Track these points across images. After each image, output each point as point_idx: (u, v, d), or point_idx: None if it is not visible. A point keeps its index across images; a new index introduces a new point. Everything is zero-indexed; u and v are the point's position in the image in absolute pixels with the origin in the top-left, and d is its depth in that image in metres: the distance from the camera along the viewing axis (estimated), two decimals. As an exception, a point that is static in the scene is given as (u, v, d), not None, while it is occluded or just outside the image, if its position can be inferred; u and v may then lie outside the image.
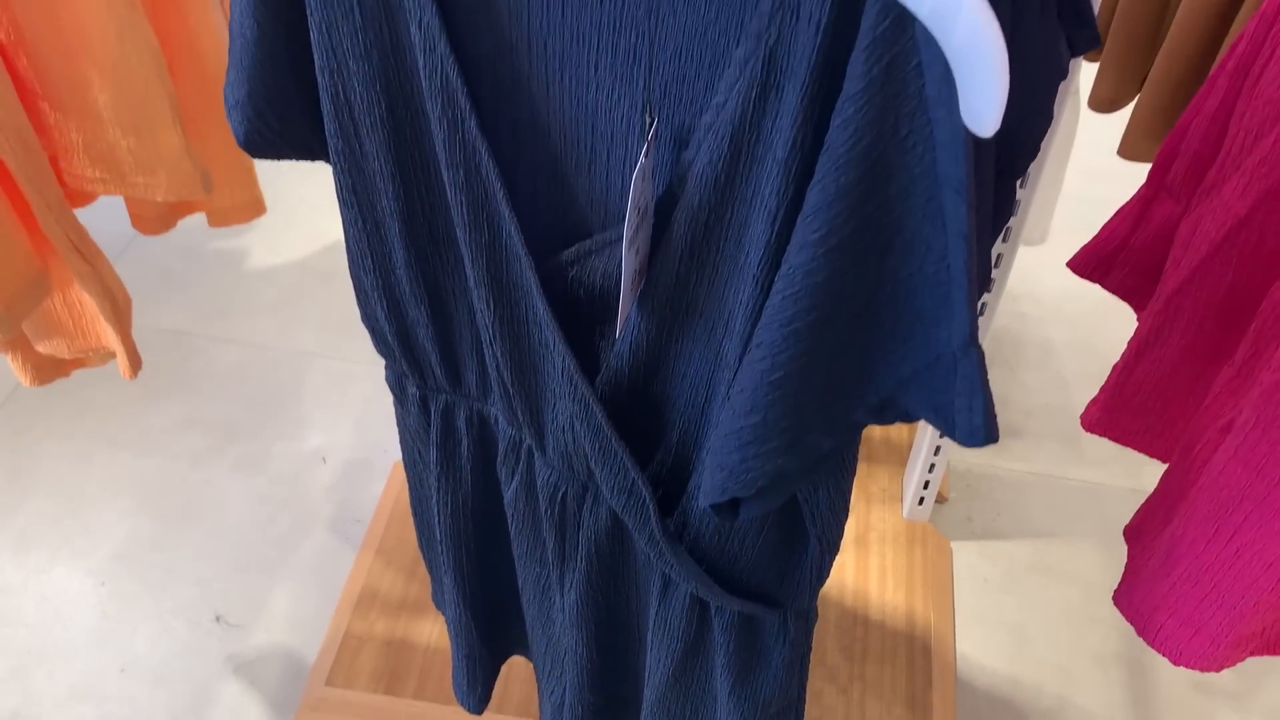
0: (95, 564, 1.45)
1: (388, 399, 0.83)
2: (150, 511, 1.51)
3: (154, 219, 1.02)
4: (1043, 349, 1.74)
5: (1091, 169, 1.69)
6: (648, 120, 0.53)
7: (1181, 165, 0.79)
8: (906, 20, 0.40)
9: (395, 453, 1.54)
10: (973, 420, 0.48)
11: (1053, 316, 1.80)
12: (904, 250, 0.46)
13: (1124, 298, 0.88)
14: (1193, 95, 1.18)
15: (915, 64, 0.41)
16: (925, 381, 0.49)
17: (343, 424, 1.63)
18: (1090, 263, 0.88)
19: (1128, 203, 0.84)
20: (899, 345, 0.49)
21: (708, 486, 0.56)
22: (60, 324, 0.94)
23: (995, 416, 0.48)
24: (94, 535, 1.49)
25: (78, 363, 1.04)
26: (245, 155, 0.88)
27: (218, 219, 1.06)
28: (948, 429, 0.49)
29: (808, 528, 0.64)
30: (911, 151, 0.43)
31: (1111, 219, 0.86)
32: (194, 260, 1.90)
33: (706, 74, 0.51)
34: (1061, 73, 0.58)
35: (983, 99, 0.38)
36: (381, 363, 0.80)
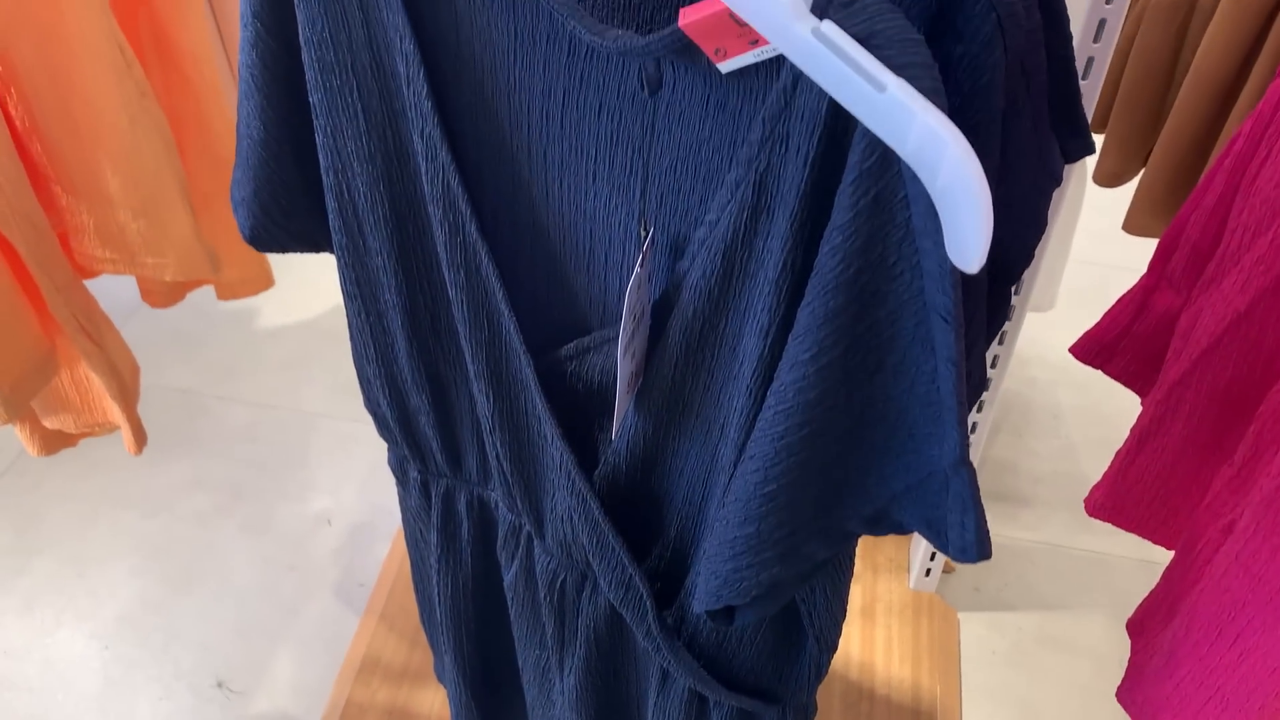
0: (100, 626, 1.45)
1: (393, 460, 0.84)
2: (155, 573, 1.51)
3: (162, 293, 1.03)
4: (1051, 414, 1.74)
5: (1099, 232, 1.69)
6: (643, 232, 0.54)
7: (1181, 257, 0.79)
8: (892, 156, 0.40)
9: (400, 516, 1.54)
10: (964, 537, 0.48)
11: (1062, 381, 1.79)
12: (895, 370, 0.46)
13: (1126, 384, 0.89)
14: (1196, 174, 1.19)
15: (902, 196, 0.41)
16: (918, 496, 0.49)
17: (348, 486, 1.64)
18: (1092, 349, 0.88)
19: (1129, 291, 0.85)
20: (891, 460, 0.49)
21: (701, 593, 0.56)
22: (67, 400, 0.95)
23: (988, 533, 0.48)
24: (99, 597, 1.48)
25: (85, 434, 1.04)
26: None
27: (226, 292, 1.07)
28: (940, 544, 0.49)
29: (805, 628, 0.64)
30: (899, 278, 0.43)
31: (1113, 307, 0.86)
32: (204, 319, 1.91)
33: (701, 188, 0.52)
34: (1055, 181, 0.58)
35: (968, 239, 0.38)
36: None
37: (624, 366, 0.56)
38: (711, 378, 0.56)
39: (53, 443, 1.03)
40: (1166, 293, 0.82)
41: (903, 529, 0.52)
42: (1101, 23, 0.87)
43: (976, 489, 0.47)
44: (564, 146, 0.56)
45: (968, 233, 0.38)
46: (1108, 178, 1.30)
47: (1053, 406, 1.75)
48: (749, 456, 0.51)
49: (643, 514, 0.66)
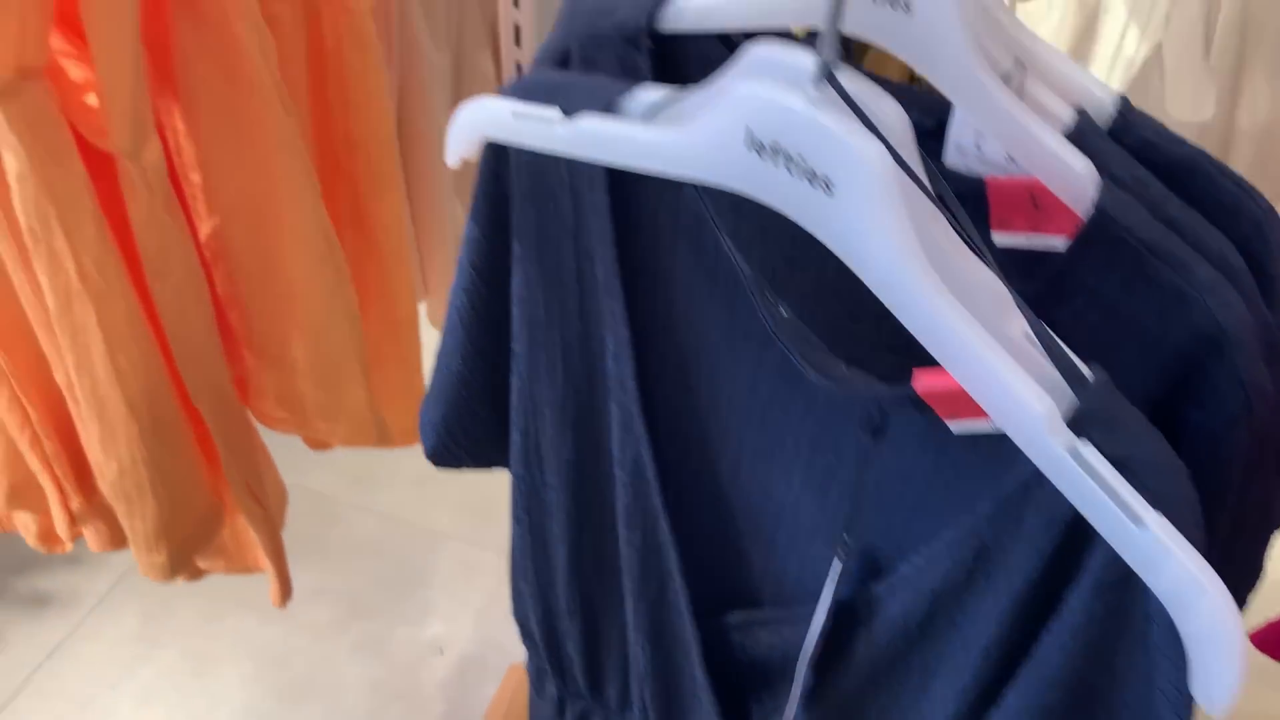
0: (209, 731, 1.47)
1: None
2: (268, 683, 1.53)
3: (323, 443, 1.05)
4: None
5: None
6: (840, 550, 0.52)
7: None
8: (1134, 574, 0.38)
9: (512, 654, 1.53)
10: None
11: None
12: (1104, 764, 0.44)
13: (1309, 681, 0.83)
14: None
15: (1143, 613, 0.39)
16: None
17: (464, 614, 1.64)
18: (1273, 640, 0.82)
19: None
20: None
21: None
22: (224, 549, 0.98)
23: None
24: (212, 699, 1.51)
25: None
26: (416, 399, 0.90)
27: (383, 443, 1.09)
28: None
29: None
30: (1129, 688, 0.41)
31: (1303, 601, 0.81)
32: (346, 423, 1.96)
33: (907, 514, 0.50)
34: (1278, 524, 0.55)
35: (1216, 687, 0.36)
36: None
37: (805, 677, 0.55)
38: (895, 704, 0.53)
39: (199, 574, 1.05)
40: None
41: None
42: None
43: None
44: (764, 437, 0.55)
45: (1217, 681, 0.36)
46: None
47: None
48: (932, 812, 0.48)
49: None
